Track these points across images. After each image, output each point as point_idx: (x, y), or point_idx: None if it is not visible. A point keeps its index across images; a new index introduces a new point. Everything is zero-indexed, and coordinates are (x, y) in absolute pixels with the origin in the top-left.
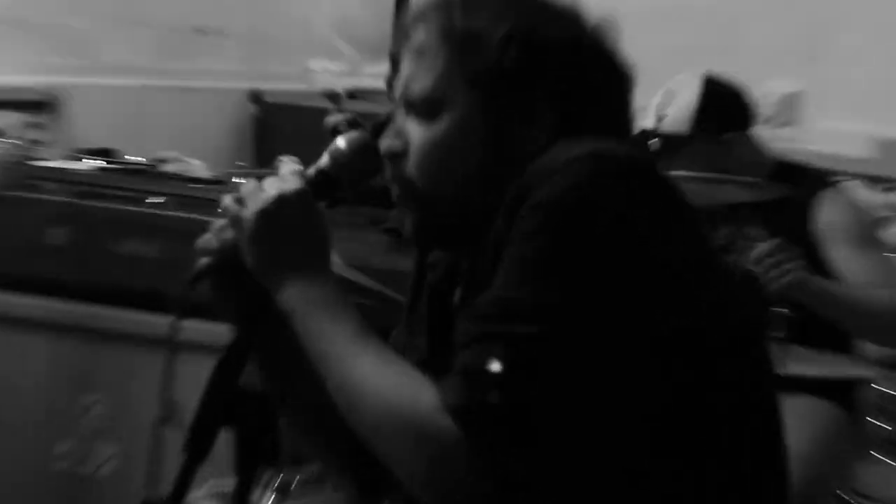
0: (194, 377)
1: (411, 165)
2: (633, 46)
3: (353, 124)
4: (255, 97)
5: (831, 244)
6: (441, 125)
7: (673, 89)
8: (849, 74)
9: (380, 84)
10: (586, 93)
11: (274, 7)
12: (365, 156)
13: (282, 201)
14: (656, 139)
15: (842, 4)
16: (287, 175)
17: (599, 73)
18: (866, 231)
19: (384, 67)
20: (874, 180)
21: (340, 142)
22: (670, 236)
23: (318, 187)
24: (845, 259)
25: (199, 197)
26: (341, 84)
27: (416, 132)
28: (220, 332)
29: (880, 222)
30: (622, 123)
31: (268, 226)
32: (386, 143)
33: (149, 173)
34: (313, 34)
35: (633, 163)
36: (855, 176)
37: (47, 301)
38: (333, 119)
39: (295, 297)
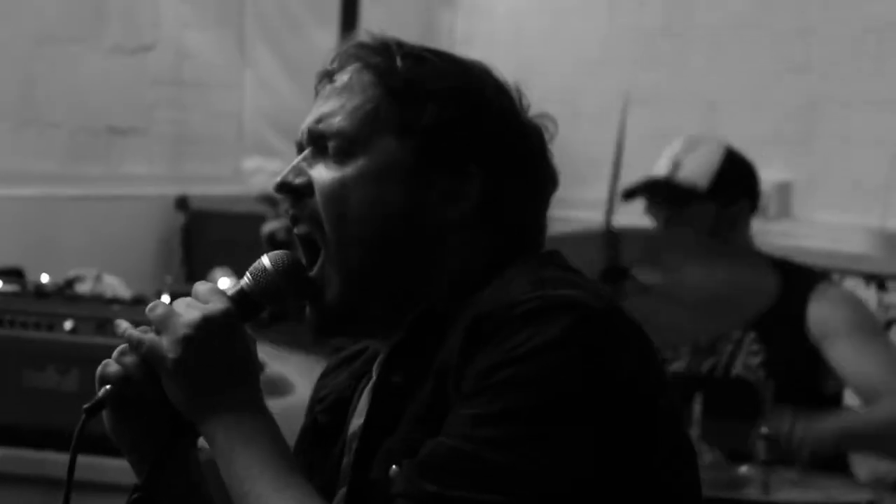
0: None
1: (318, 204)
2: (614, 132)
3: (291, 232)
4: (182, 203)
5: (828, 344)
6: (355, 167)
7: (695, 140)
8: (841, 161)
9: None
10: (515, 167)
11: (199, 101)
12: (292, 276)
13: (207, 325)
14: (646, 191)
15: (832, 86)
16: (205, 293)
17: (533, 153)
18: (864, 322)
19: None
20: (872, 278)
21: (265, 260)
22: (647, 394)
23: (239, 309)
24: (846, 357)
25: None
26: None
27: (323, 171)
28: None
29: (875, 314)
30: (539, 216)
31: (194, 354)
32: (285, 177)
33: (62, 295)
34: (244, 130)
35: (610, 315)
36: (852, 273)
37: None
38: (270, 226)
39: (220, 432)
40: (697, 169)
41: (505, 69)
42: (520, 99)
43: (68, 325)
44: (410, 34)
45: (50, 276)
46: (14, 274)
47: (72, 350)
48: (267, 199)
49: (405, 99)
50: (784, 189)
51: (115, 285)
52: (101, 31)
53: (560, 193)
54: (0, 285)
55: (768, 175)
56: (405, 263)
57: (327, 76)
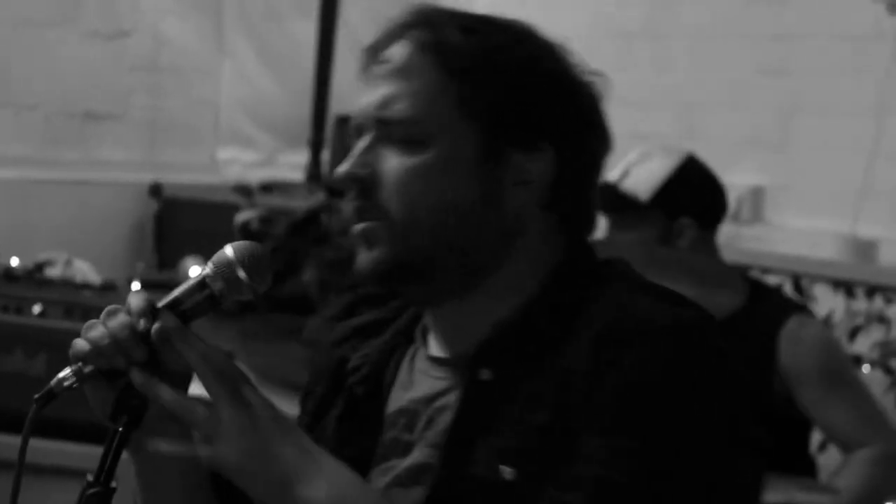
0: None
1: (387, 197)
2: None
3: (265, 222)
4: (156, 190)
5: (800, 385)
6: (426, 155)
7: (650, 152)
8: (815, 167)
9: (298, 175)
10: (582, 139)
11: (176, 89)
12: (259, 272)
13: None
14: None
15: (809, 91)
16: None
17: (593, 120)
18: (838, 368)
19: (302, 156)
20: (841, 284)
21: (228, 251)
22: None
23: (200, 306)
24: (816, 404)
25: (89, 305)
26: (253, 176)
27: (392, 160)
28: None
29: (849, 359)
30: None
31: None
32: (350, 168)
33: (31, 278)
34: (221, 119)
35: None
36: (821, 279)
37: None
38: (244, 216)
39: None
40: (642, 179)
41: None
42: (569, 58)
43: (37, 308)
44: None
45: (21, 259)
46: None
47: (40, 334)
48: (241, 189)
49: (467, 79)
50: (757, 193)
51: (85, 270)
52: (78, 16)
53: None
54: None
55: (742, 179)
56: (482, 251)
57: (376, 53)
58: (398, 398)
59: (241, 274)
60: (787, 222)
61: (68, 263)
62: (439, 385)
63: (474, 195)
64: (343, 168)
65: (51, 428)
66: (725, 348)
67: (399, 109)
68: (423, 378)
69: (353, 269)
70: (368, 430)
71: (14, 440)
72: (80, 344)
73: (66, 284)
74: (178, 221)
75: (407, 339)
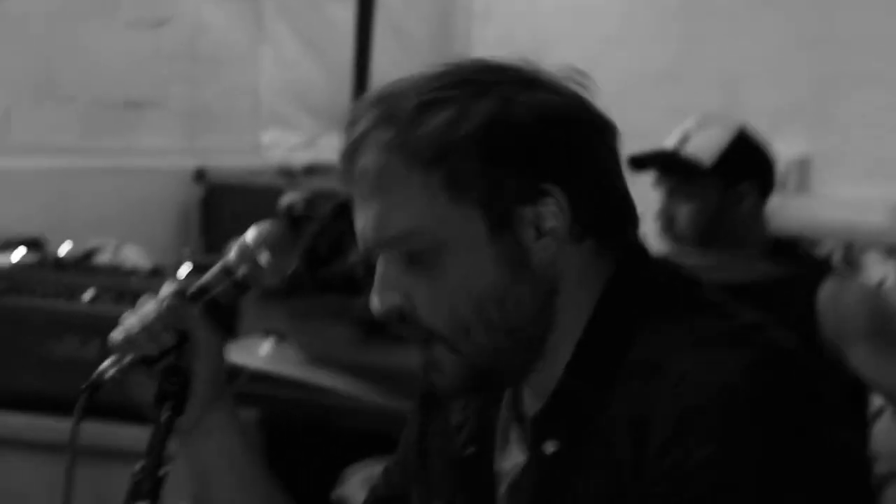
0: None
1: (427, 316)
2: (634, 108)
3: (310, 204)
4: (200, 175)
5: (848, 344)
6: (439, 261)
7: (709, 119)
8: (861, 135)
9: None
10: (582, 156)
11: (217, 74)
12: (281, 253)
13: None
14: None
15: (851, 60)
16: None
17: (583, 128)
18: (885, 323)
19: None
20: (893, 252)
21: (249, 234)
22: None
23: (228, 291)
24: (866, 361)
25: (138, 290)
26: (296, 158)
27: (413, 278)
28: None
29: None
30: (622, 182)
31: None
32: (384, 303)
33: (81, 265)
34: (263, 103)
35: (797, 357)
36: (872, 247)
37: None
38: (288, 199)
39: None
40: (704, 145)
41: (521, 44)
42: (539, 73)
43: (88, 295)
44: (427, 11)
45: (70, 247)
46: (34, 244)
47: (92, 320)
48: (284, 172)
49: (443, 164)
50: (803, 163)
51: (134, 256)
52: (117, 6)
53: None
54: (21, 255)
55: (787, 150)
56: (536, 318)
57: (349, 163)
58: (505, 463)
59: (263, 257)
60: (835, 191)
61: (117, 249)
62: (519, 456)
63: (503, 274)
64: (375, 305)
65: (105, 410)
66: (813, 378)
67: (395, 227)
68: (511, 441)
69: (439, 393)
70: (483, 490)
71: (69, 425)
72: (117, 335)
73: (116, 270)
74: (223, 206)
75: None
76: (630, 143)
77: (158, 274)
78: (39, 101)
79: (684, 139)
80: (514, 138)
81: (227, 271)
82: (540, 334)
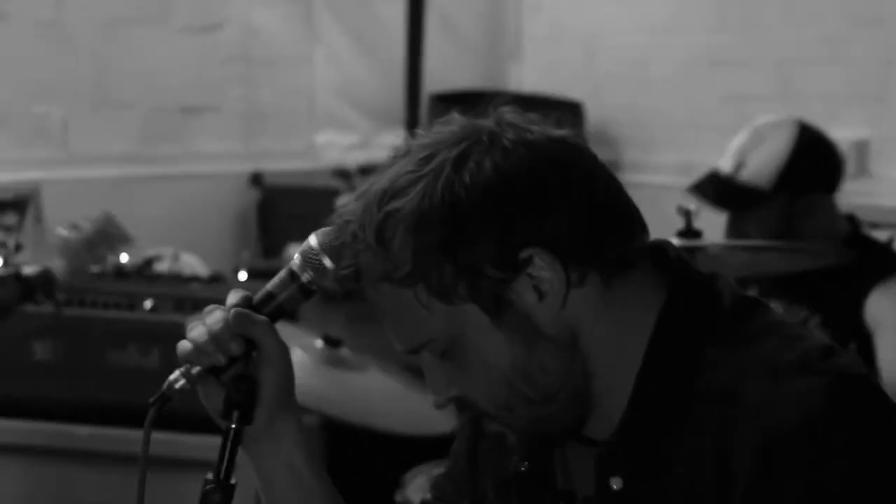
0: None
1: (480, 404)
2: (689, 96)
3: None
4: (256, 179)
5: (879, 334)
6: (467, 358)
7: (762, 133)
8: None
9: None
10: (554, 206)
11: (270, 77)
12: (340, 257)
13: None
14: (723, 192)
15: None
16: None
17: (556, 173)
18: None
19: (398, 136)
20: None
21: (312, 240)
22: None
23: (293, 297)
24: (888, 354)
25: (198, 297)
26: (351, 159)
27: (454, 375)
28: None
29: None
30: (618, 210)
31: None
32: (439, 397)
33: (141, 274)
34: (316, 104)
35: (866, 381)
36: None
37: (35, 424)
38: (344, 200)
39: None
40: (761, 167)
41: (574, 33)
42: (495, 132)
43: (148, 304)
44: (477, 5)
45: (129, 255)
46: None
47: (152, 329)
48: (340, 173)
49: (420, 277)
50: (861, 147)
51: (192, 263)
52: (170, 12)
53: (632, 158)
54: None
55: (845, 133)
56: (567, 379)
57: (360, 298)
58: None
59: (327, 261)
60: (894, 174)
61: (176, 258)
62: (583, 480)
63: (519, 351)
64: (435, 401)
65: (174, 420)
66: (888, 403)
67: (411, 340)
68: (570, 459)
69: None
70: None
71: (135, 434)
72: (184, 345)
73: (175, 278)
74: (279, 209)
75: None
76: (684, 132)
77: (217, 280)
78: (96, 110)
79: (740, 163)
80: (468, 228)
81: (293, 277)
82: (580, 388)
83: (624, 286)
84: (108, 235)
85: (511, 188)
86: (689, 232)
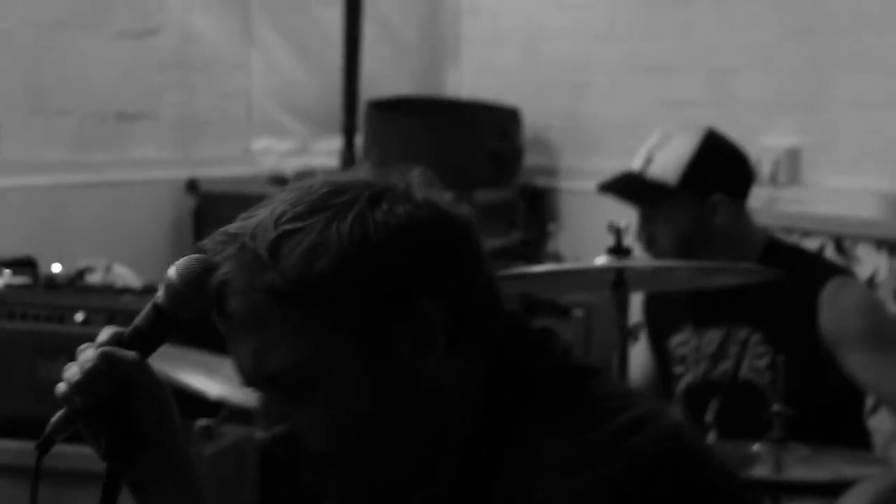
0: None
1: (314, 447)
2: (625, 102)
3: None
4: (192, 186)
5: (844, 349)
6: (322, 393)
7: (670, 133)
8: (852, 125)
9: (332, 162)
10: (454, 270)
11: (207, 83)
12: (203, 287)
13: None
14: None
15: (841, 49)
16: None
17: (447, 232)
18: (882, 329)
19: (336, 143)
20: (883, 243)
21: (171, 271)
22: None
23: (158, 330)
24: (862, 366)
25: (130, 310)
26: (288, 165)
27: (297, 411)
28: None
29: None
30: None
31: None
32: (269, 434)
33: (72, 286)
34: (253, 110)
35: (674, 457)
36: (863, 239)
37: None
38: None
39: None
40: (667, 163)
41: (512, 39)
42: (388, 186)
43: (79, 316)
44: (415, 9)
45: (62, 264)
46: (26, 264)
47: (83, 342)
48: (277, 180)
49: (306, 299)
50: (793, 155)
51: (125, 275)
52: (106, 17)
53: (569, 163)
54: (10, 277)
55: (777, 141)
56: (422, 434)
57: (219, 304)
58: None
59: (172, 270)
60: (826, 183)
61: (108, 269)
62: None
63: (381, 396)
64: (264, 436)
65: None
66: (688, 477)
67: (272, 364)
68: None
69: None
70: None
71: (66, 448)
72: (61, 386)
73: (108, 290)
74: (216, 216)
75: None
76: (621, 138)
77: (150, 292)
78: (30, 116)
79: (648, 160)
80: (371, 262)
81: (157, 309)
82: (424, 457)
83: (465, 371)
84: None
85: (420, 237)
86: (619, 249)
